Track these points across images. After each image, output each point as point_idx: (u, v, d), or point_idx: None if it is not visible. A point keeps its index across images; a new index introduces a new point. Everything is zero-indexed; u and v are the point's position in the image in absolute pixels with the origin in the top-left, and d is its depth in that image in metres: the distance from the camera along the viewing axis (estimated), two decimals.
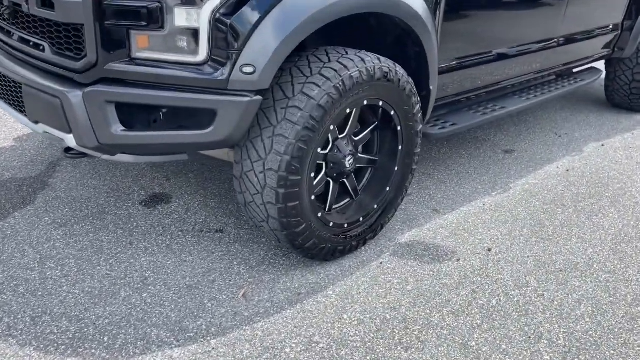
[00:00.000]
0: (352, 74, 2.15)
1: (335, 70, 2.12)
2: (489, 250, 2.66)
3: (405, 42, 2.55)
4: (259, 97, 2.01)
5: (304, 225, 2.22)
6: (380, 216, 2.60)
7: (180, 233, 2.63)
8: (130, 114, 2.08)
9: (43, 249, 2.43)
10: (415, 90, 2.47)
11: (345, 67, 2.14)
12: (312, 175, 2.21)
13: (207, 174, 3.23)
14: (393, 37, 2.60)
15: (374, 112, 2.44)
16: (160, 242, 2.55)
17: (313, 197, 2.26)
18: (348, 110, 2.23)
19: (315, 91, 2.07)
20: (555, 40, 3.63)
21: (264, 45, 1.94)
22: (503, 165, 3.65)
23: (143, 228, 2.64)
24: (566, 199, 3.23)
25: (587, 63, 4.24)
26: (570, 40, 3.78)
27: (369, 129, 2.47)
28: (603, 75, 4.63)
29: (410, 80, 2.43)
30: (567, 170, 3.63)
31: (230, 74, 1.94)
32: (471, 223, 2.90)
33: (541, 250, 2.69)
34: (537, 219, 2.98)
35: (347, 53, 2.23)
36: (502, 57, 3.24)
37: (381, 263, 2.50)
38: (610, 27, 4.17)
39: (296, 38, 2.00)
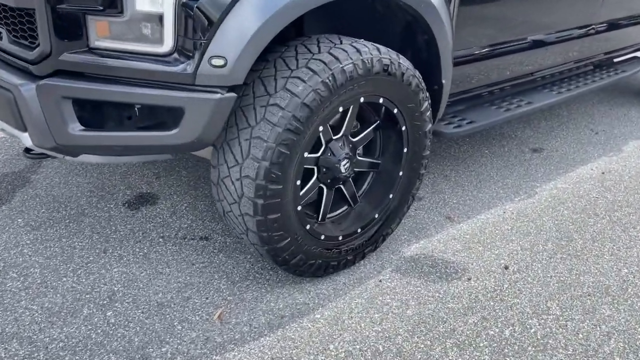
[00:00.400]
0: (345, 67, 1.84)
1: (325, 63, 1.82)
2: (506, 268, 2.33)
3: (414, 29, 2.23)
4: (231, 94, 1.73)
5: (288, 240, 1.95)
6: (382, 227, 2.30)
7: (161, 240, 2.39)
8: (95, 111, 1.84)
9: (9, 256, 2.23)
10: (423, 85, 2.15)
11: (337, 58, 1.84)
12: (298, 183, 1.93)
13: (201, 171, 2.99)
14: (402, 24, 2.28)
15: (375, 109, 2.14)
16: (137, 249, 2.32)
17: (300, 208, 1.98)
18: (341, 109, 1.93)
19: (300, 87, 1.78)
20: (594, 26, 3.23)
21: (237, 33, 1.66)
22: (529, 166, 3.29)
23: (122, 233, 2.42)
24: (599, 207, 2.86)
25: (630, 52, 3.81)
26: (611, 26, 3.37)
27: (369, 129, 2.17)
28: None
29: (417, 73, 2.12)
30: (603, 173, 3.25)
31: (197, 67, 1.67)
32: (488, 234, 2.58)
33: (567, 269, 2.36)
34: (564, 231, 2.63)
35: (341, 42, 1.93)
36: (530, 45, 2.88)
37: (380, 281, 2.22)
38: None
39: (276, 24, 1.71)
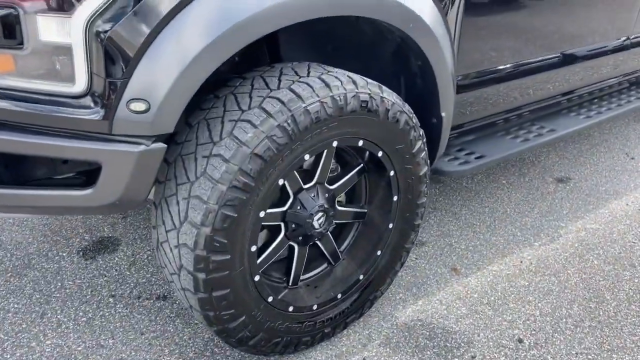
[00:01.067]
0: (309, 107, 1.47)
1: (282, 103, 1.45)
2: (520, 341, 1.92)
3: (406, 53, 1.84)
4: (159, 146, 1.37)
5: (242, 319, 1.58)
6: (368, 290, 1.92)
7: (111, 299, 2.05)
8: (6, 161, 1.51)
9: None
10: (414, 121, 1.76)
11: (299, 96, 1.47)
12: (254, 248, 1.56)
13: None
14: (393, 47, 1.90)
15: (356, 150, 1.77)
16: (81, 313, 1.98)
17: (258, 278, 1.61)
18: (308, 157, 1.56)
19: (250, 134, 1.41)
20: (629, 37, 2.78)
21: (162, 69, 1.30)
22: (553, 201, 2.85)
23: (68, 290, 2.09)
24: (636, 256, 2.41)
25: None
26: None
27: (351, 174, 1.79)
28: None
29: (407, 108, 1.73)
30: None
31: (113, 113, 1.32)
32: (500, 292, 2.16)
33: (597, 342, 1.93)
34: (593, 289, 2.19)
35: (307, 74, 1.55)
36: (553, 63, 2.46)
37: (364, 359, 1.83)
38: None
39: (214, 57, 1.34)
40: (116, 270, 2.21)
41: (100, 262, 2.25)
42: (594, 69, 2.72)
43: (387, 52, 1.92)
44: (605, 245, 2.48)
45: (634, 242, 2.50)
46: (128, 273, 2.19)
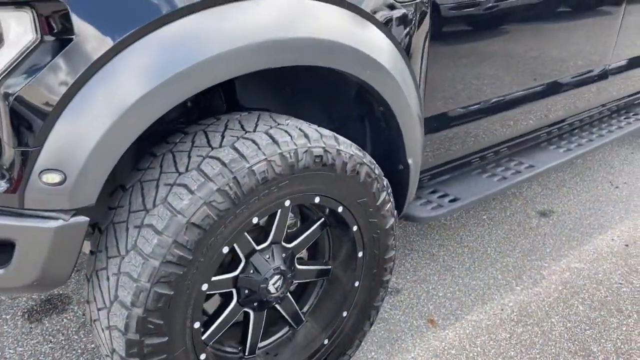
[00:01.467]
0: (255, 167, 1.32)
1: (224, 163, 1.30)
2: None
3: (367, 98, 1.70)
4: (79, 220, 1.20)
5: None
6: (333, 354, 1.76)
7: None
8: None
9: None
10: (377, 172, 1.61)
11: (242, 155, 1.32)
12: (197, 325, 1.40)
13: None
14: (354, 89, 1.76)
15: (316, 205, 1.62)
16: None
17: (203, 356, 1.45)
18: (257, 220, 1.41)
19: (186, 200, 1.26)
20: (608, 66, 2.68)
21: (78, 135, 1.14)
22: (536, 237, 2.72)
23: None
24: (624, 300, 2.27)
25: None
26: (628, 64, 2.82)
27: (310, 230, 1.64)
28: None
29: (368, 159, 1.58)
30: (627, 246, 2.66)
31: (24, 186, 1.16)
32: (480, 347, 2.01)
33: None
34: (579, 340, 2.04)
35: (254, 129, 1.41)
36: (530, 97, 2.33)
37: None
38: None
39: (141, 117, 1.19)
40: (63, 334, 2.02)
41: (47, 325, 2.07)
42: (572, 100, 2.60)
43: (349, 95, 1.79)
44: (591, 288, 2.33)
45: (621, 284, 2.36)
46: (76, 337, 2.01)
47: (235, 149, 1.32)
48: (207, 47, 1.25)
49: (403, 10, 1.62)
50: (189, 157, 1.34)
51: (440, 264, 2.51)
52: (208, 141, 1.37)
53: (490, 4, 1.94)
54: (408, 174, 1.82)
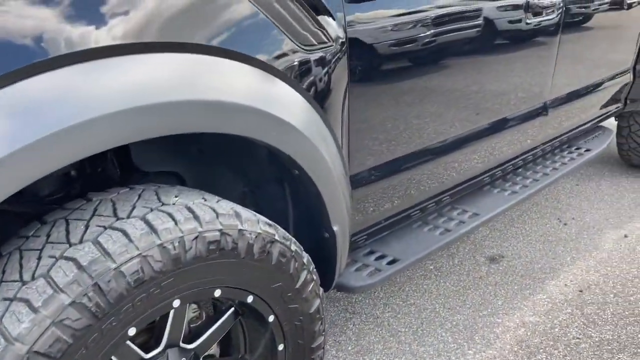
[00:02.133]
0: (123, 268, 1.04)
1: (81, 267, 1.01)
2: None
3: (280, 159, 1.45)
4: None
5: None
6: None
7: None
8: None
9: None
10: (295, 249, 1.35)
11: (106, 253, 1.03)
12: None
13: None
14: (265, 150, 1.51)
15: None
16: None
17: None
18: (134, 331, 1.11)
19: (25, 323, 0.95)
20: (546, 102, 2.55)
21: None
22: (487, 288, 2.51)
23: None
24: (584, 357, 2.07)
25: (591, 126, 3.14)
26: (567, 99, 2.70)
27: (216, 326, 1.35)
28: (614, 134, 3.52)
29: (282, 235, 1.32)
30: (581, 292, 2.49)
31: None
32: None
33: None
34: None
35: (129, 213, 1.12)
36: (467, 142, 2.15)
37: None
38: (619, 75, 3.09)
39: None
40: None
41: None
42: (514, 138, 2.44)
43: (261, 155, 1.53)
44: (548, 347, 2.13)
45: (579, 339, 2.17)
46: None
47: (99, 245, 1.03)
48: (68, 113, 0.97)
49: (313, 57, 1.39)
50: (39, 258, 1.04)
51: (386, 328, 2.25)
52: (67, 234, 1.08)
53: (416, 41, 1.74)
54: (335, 242, 1.56)
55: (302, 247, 1.40)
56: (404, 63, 1.71)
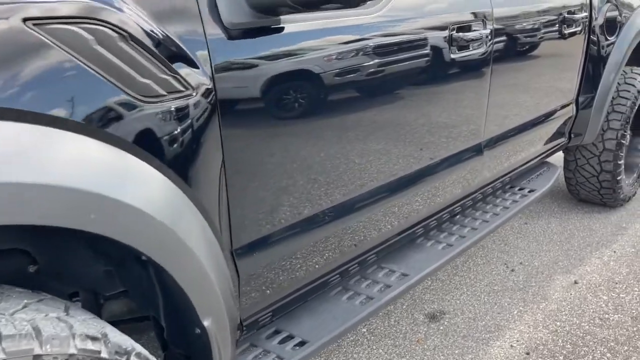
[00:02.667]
0: None
1: None
2: None
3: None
4: None
5: None
6: None
7: None
8: None
9: None
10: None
11: None
12: None
13: None
14: None
15: None
16: None
17: None
18: None
19: None
20: (479, 146, 2.31)
21: None
22: (425, 354, 2.21)
23: None
24: None
25: (534, 164, 2.94)
26: (505, 137, 2.47)
27: None
28: (561, 170, 3.33)
29: (116, 348, 0.99)
30: (527, 354, 2.22)
31: None
32: None
33: None
34: None
35: None
36: (383, 194, 1.86)
37: None
38: (561, 109, 2.90)
39: None
40: None
41: None
42: (447, 185, 2.18)
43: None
44: None
45: None
46: None
47: None
48: None
49: (161, 110, 1.09)
50: None
51: None
52: None
53: (313, 84, 1.47)
54: (207, 339, 1.24)
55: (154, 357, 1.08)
56: (294, 111, 1.42)
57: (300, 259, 1.61)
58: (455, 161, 2.17)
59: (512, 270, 2.87)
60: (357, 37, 1.54)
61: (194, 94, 1.15)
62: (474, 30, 1.99)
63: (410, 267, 2.00)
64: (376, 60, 1.60)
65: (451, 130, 2.09)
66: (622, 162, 3.28)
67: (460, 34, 1.92)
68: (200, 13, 1.19)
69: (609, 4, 3.03)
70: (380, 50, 1.62)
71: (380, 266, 2.01)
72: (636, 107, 3.27)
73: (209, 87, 1.19)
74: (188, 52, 1.15)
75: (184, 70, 1.13)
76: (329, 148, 1.57)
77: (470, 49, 2.00)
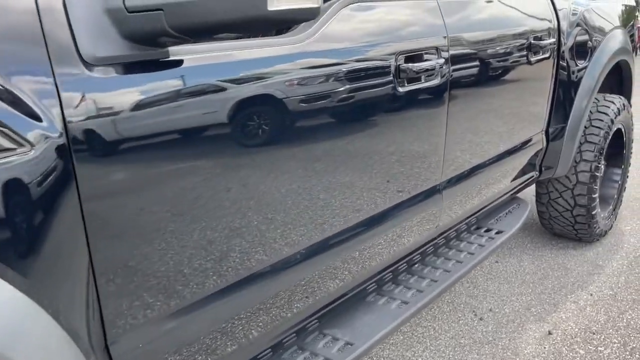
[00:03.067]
0: None
1: None
2: None
3: None
4: None
5: None
6: None
7: None
8: None
9: None
10: None
11: None
12: None
13: None
14: None
15: None
16: None
17: None
18: None
19: None
20: (436, 187, 2.04)
21: None
22: None
23: None
24: None
25: (503, 202, 2.69)
26: (463, 180, 2.21)
27: None
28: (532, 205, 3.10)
29: None
30: None
31: None
32: None
33: None
34: None
35: None
36: (323, 249, 1.59)
37: None
38: (529, 141, 2.67)
39: None
40: None
41: None
42: (401, 233, 1.91)
43: None
44: None
45: None
46: None
47: None
48: None
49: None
50: None
51: None
52: None
53: (210, 122, 1.19)
54: None
55: None
56: (183, 169, 1.14)
57: (211, 340, 1.31)
58: (410, 206, 1.91)
59: (481, 319, 2.60)
60: (273, 71, 1.27)
61: (31, 149, 0.86)
62: (426, 60, 1.74)
63: (357, 333, 1.71)
64: (300, 105, 1.33)
65: (402, 172, 1.83)
66: (596, 195, 3.06)
67: (409, 64, 1.66)
68: (46, 44, 0.91)
69: (578, 28, 2.83)
70: (303, 91, 1.35)
71: (322, 333, 1.71)
72: (610, 137, 3.07)
73: (58, 141, 0.90)
74: (23, 96, 0.87)
75: (14, 121, 0.85)
76: (229, 217, 1.29)
77: (422, 80, 1.75)
